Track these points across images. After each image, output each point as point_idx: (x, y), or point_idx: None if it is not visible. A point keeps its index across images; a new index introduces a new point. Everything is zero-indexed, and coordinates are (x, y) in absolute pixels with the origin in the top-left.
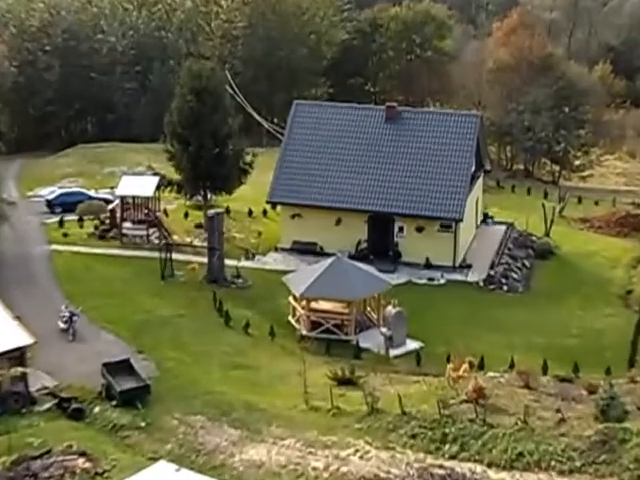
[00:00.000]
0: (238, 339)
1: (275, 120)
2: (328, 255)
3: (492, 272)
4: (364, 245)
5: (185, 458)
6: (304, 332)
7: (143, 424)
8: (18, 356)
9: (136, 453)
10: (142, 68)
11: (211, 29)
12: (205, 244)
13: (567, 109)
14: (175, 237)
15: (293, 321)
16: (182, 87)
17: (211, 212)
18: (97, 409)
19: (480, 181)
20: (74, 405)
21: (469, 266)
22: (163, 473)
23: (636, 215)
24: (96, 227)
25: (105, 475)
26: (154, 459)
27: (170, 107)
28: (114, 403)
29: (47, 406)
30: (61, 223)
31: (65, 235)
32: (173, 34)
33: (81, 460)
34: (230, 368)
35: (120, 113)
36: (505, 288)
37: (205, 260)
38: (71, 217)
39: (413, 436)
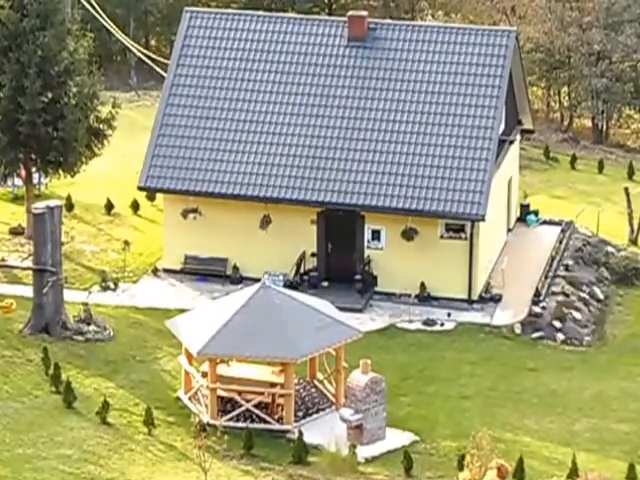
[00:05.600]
0: (88, 433)
1: (153, 42)
2: (248, 281)
3: (537, 309)
4: (312, 264)
5: None
6: (206, 419)
7: None
8: None
9: None
10: None
11: None
12: (28, 263)
13: None
14: None
15: (186, 399)
16: None
17: (39, 206)
18: None
19: (515, 149)
20: None
21: (496, 298)
22: None
23: None
24: None
25: None
26: None
27: None
28: None
29: None
30: None
31: None
32: None
33: None
34: None
35: None
36: (560, 337)
37: (29, 292)
38: None
39: None
